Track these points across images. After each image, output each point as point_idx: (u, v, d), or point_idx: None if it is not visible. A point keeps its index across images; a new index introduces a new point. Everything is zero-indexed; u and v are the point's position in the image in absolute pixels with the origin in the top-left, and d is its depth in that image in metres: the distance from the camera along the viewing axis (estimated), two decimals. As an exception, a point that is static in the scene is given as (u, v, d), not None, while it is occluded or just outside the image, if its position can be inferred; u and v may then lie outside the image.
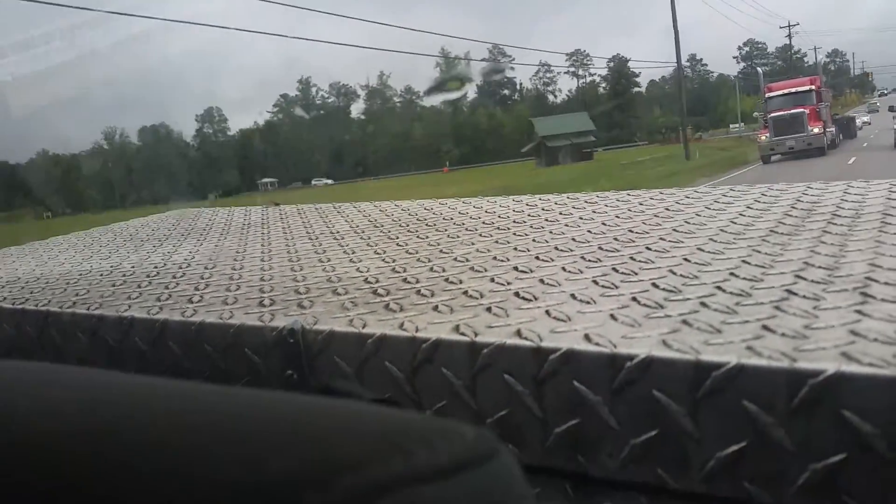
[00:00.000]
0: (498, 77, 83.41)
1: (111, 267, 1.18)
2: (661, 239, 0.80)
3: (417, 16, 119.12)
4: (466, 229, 1.05)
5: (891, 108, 26.78)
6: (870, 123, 41.33)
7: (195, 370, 0.78)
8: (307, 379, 0.69)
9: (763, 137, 25.04)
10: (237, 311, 0.77)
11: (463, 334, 0.59)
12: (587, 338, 0.53)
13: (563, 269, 0.74)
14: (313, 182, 65.35)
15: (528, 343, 0.55)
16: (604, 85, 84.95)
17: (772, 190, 1.02)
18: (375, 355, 0.64)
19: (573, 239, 0.87)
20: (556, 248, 0.83)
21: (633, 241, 0.81)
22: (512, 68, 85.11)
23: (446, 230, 1.07)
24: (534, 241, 0.90)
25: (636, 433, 0.49)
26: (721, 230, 0.81)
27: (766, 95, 27.25)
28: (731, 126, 64.69)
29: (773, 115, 24.70)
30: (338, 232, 1.21)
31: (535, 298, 0.65)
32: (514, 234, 0.96)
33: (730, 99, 73.91)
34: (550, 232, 0.94)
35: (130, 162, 61.93)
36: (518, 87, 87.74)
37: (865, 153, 22.87)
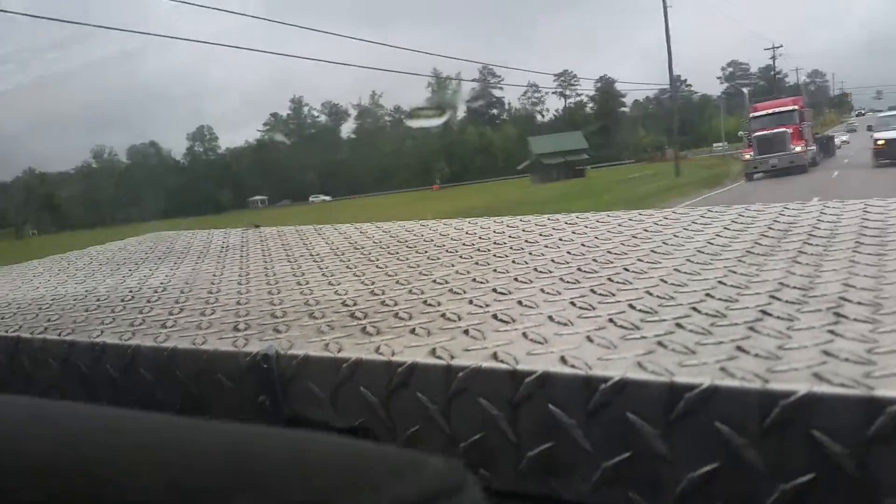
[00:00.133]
0: (486, 100, 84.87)
1: (85, 291, 1.16)
2: (638, 260, 0.81)
3: (410, 36, 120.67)
4: (447, 251, 1.05)
5: (868, 128, 27.92)
6: (848, 143, 42.20)
7: (167, 397, 0.76)
8: (280, 405, 0.68)
9: (747, 156, 25.33)
10: (211, 336, 0.76)
11: (439, 358, 0.58)
12: (563, 360, 0.53)
13: (542, 290, 0.74)
14: (311, 199, 65.94)
15: (503, 366, 0.54)
16: (590, 105, 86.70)
17: (749, 210, 1.03)
18: (350, 380, 0.63)
19: (552, 260, 0.88)
20: (536, 270, 0.84)
21: (612, 263, 0.82)
22: (501, 88, 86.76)
23: (426, 252, 1.07)
24: (513, 262, 0.90)
25: (609, 455, 0.49)
26: (698, 251, 0.82)
27: (751, 115, 27.75)
28: (713, 145, 65.96)
29: (756, 134, 25.06)
30: (317, 254, 1.20)
31: (513, 321, 0.65)
32: (494, 255, 0.97)
33: (713, 118, 75.61)
34: (530, 253, 0.95)
35: (119, 180, 62.11)
36: (507, 106, 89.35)
37: (847, 170, 23.68)
